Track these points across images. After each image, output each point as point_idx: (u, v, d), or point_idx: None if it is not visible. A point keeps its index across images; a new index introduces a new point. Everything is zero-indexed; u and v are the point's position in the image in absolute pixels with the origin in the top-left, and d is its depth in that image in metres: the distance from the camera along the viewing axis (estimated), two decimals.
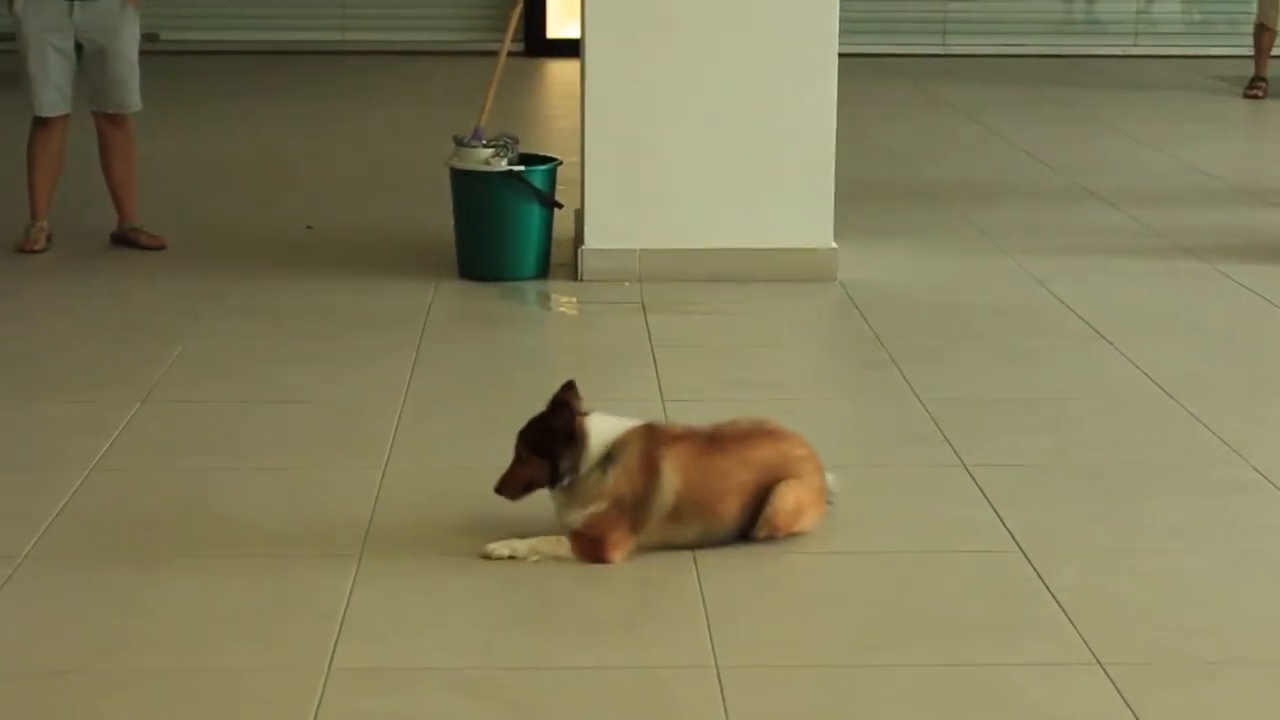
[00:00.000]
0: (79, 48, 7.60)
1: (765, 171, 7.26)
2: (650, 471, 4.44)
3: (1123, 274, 7.56)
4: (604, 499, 4.42)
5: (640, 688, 3.87)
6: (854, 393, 6.16)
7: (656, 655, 4.02)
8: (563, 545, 4.45)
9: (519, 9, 7.72)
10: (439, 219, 7.61)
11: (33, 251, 7.65)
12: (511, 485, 4.50)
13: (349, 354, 6.31)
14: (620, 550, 4.43)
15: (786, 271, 7.25)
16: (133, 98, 7.70)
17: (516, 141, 7.31)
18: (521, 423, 4.52)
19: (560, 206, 7.36)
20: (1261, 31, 12.95)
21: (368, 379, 6.02)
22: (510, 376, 6.13)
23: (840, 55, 7.26)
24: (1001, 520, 4.77)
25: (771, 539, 4.54)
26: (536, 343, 6.80)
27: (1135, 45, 15.18)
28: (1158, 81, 13.69)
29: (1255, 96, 12.80)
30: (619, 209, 7.28)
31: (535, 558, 4.44)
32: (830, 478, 4.70)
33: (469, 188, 7.28)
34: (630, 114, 7.24)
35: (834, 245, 7.32)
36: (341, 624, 4.11)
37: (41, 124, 7.67)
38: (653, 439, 4.49)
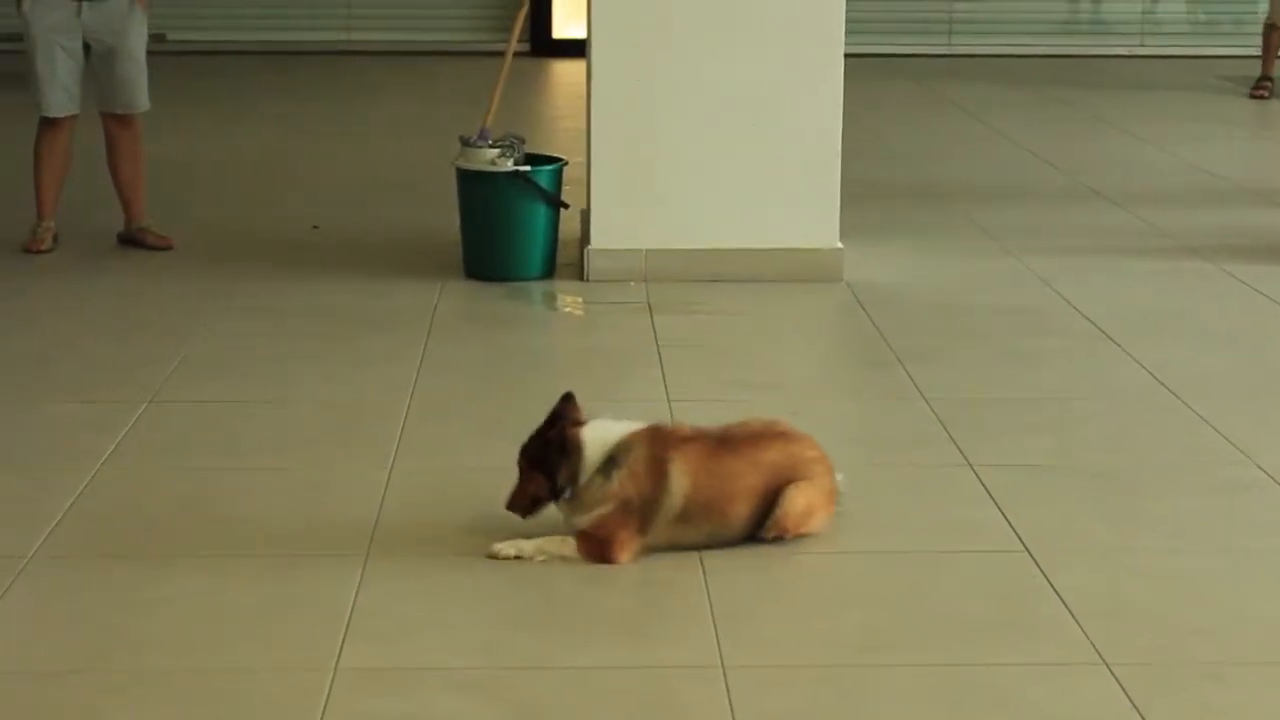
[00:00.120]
0: (87, 48, 7.60)
1: (771, 171, 7.26)
2: (658, 474, 4.43)
3: (1128, 274, 7.56)
4: (609, 502, 4.41)
5: (646, 688, 3.87)
6: (859, 393, 6.16)
7: (662, 655, 4.02)
8: (569, 545, 4.45)
9: (524, 9, 7.72)
10: (445, 219, 7.61)
11: (39, 251, 7.65)
12: (520, 501, 4.50)
13: (355, 354, 6.30)
14: (627, 551, 4.43)
15: (792, 272, 7.25)
16: (141, 98, 7.71)
17: (522, 141, 7.31)
18: (526, 429, 4.52)
19: (566, 207, 7.36)
20: (1271, 31, 12.89)
21: (374, 379, 6.02)
22: (516, 377, 6.12)
23: (845, 55, 7.25)
24: (1007, 520, 4.76)
25: (779, 540, 4.54)
26: (542, 343, 6.81)
27: (1141, 45, 15.17)
28: (1163, 81, 13.68)
29: (1261, 96, 12.78)
30: (625, 209, 7.28)
31: (541, 558, 4.44)
32: (840, 478, 4.70)
33: (475, 188, 7.28)
34: (636, 114, 7.23)
35: (839, 245, 7.32)
36: (347, 624, 4.11)
37: (49, 124, 7.67)
38: (660, 441, 4.49)
